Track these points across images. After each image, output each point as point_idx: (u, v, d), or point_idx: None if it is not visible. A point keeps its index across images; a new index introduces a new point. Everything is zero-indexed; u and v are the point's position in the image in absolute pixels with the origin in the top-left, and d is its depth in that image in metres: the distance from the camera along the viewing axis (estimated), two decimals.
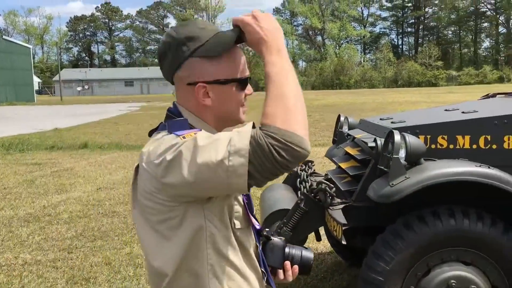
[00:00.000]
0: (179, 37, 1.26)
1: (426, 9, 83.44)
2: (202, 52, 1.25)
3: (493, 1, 78.35)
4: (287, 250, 1.39)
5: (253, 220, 1.37)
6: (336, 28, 75.46)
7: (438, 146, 3.04)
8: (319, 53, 76.04)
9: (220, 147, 1.10)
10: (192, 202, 1.19)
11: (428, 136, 3.05)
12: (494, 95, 4.48)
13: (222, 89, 1.27)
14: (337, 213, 2.99)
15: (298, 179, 3.72)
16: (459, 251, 2.72)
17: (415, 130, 3.05)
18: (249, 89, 1.34)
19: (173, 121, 1.25)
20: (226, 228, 1.25)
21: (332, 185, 3.12)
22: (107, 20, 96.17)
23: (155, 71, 78.59)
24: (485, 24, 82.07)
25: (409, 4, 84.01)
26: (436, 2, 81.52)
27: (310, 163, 4.01)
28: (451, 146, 3.02)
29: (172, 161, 1.13)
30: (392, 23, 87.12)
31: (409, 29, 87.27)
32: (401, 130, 3.01)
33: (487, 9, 79.95)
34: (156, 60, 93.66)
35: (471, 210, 2.71)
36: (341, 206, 3.07)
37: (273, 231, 1.48)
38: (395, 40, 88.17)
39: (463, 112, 3.30)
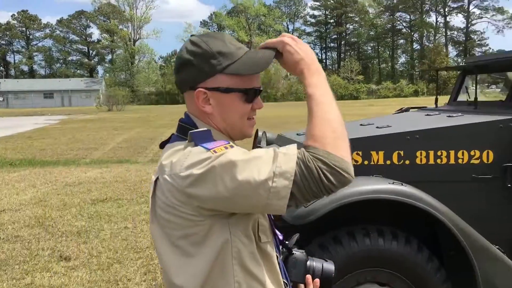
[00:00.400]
0: (211, 50, 1.22)
1: (347, 26, 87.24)
2: (234, 69, 1.22)
3: (408, 19, 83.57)
4: (308, 263, 1.37)
5: (277, 231, 1.36)
6: (262, 42, 76.49)
7: (353, 162, 2.95)
8: None
9: (263, 166, 1.09)
10: (217, 216, 1.16)
11: None
12: (407, 109, 4.56)
13: (224, 97, 1.24)
14: None
15: None
16: (375, 272, 2.63)
17: None
18: (258, 103, 1.29)
19: (197, 132, 1.20)
20: (251, 242, 1.21)
21: None
22: (24, 28, 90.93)
23: (77, 83, 75.46)
24: (401, 41, 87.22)
25: (332, 21, 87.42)
26: (357, 19, 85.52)
27: None
28: (366, 162, 2.96)
29: (204, 175, 1.10)
30: (316, 38, 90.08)
31: (332, 44, 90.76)
32: None
33: (402, 27, 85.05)
34: (78, 71, 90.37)
35: (385, 229, 2.64)
36: None
37: (293, 243, 1.41)
38: (319, 54, 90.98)
39: (377, 127, 3.27)
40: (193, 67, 1.23)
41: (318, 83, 1.21)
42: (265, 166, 1.09)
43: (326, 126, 1.15)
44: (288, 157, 1.10)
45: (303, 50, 1.24)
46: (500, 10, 76.80)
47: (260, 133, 4.20)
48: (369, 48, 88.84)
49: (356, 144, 3.00)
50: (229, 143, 1.17)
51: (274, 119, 25.50)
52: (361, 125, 3.67)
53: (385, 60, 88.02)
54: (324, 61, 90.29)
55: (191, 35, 1.30)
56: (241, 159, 1.10)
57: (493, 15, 77.87)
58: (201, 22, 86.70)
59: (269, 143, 4.02)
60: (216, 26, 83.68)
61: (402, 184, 2.62)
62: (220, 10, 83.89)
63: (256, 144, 4.20)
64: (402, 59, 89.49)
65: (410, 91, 67.47)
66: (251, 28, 78.60)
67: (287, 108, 38.83)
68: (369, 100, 57.63)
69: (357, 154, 2.97)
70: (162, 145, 1.31)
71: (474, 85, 4.22)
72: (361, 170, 2.92)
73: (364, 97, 67.18)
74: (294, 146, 1.14)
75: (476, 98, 3.68)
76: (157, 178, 1.22)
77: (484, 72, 4.34)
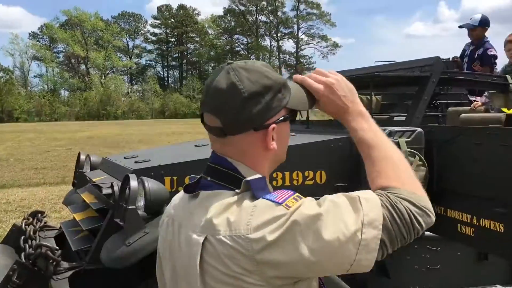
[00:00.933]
0: (279, 82, 1.08)
1: (188, 45, 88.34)
2: (293, 104, 1.11)
3: (245, 42, 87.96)
4: None
5: None
6: (101, 58, 73.10)
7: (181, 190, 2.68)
8: (84, 82, 72.37)
9: (346, 216, 0.96)
10: (286, 285, 0.98)
11: (175, 178, 2.67)
12: None
13: (283, 126, 1.11)
14: (63, 284, 2.32)
15: (23, 237, 2.89)
16: None
17: (160, 171, 2.64)
18: None
19: (254, 180, 1.02)
20: None
21: (57, 247, 2.44)
22: None
23: None
24: None
25: (173, 39, 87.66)
26: (197, 39, 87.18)
27: (39, 214, 3.22)
28: None
29: (282, 236, 0.93)
30: (158, 56, 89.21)
31: (173, 63, 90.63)
32: (144, 171, 2.56)
33: (240, 49, 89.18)
34: None
35: None
36: (70, 272, 2.42)
37: None
38: (161, 72, 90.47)
39: None
40: (260, 104, 1.04)
41: (365, 126, 1.14)
42: (349, 216, 0.96)
43: (395, 166, 1.08)
44: (372, 203, 0.98)
45: (343, 97, 1.14)
46: (324, 38, 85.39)
47: (83, 157, 3.69)
48: (210, 67, 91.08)
49: (188, 167, 2.73)
50: (295, 193, 1.02)
51: (115, 137, 24.32)
52: (196, 146, 3.42)
53: None
54: (166, 79, 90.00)
55: (229, 63, 1.11)
56: (321, 212, 0.95)
57: (318, 42, 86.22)
58: (29, 33, 79.00)
59: (93, 167, 3.53)
60: (47, 39, 77.54)
61: None
62: (52, 22, 77.91)
63: (77, 169, 3.67)
64: None
65: None
66: (87, 43, 74.56)
67: (128, 126, 37.44)
68: None
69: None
70: (189, 190, 1.10)
71: None
72: None
73: None
74: (369, 190, 1.03)
75: (308, 117, 3.71)
76: (205, 239, 0.99)
77: None
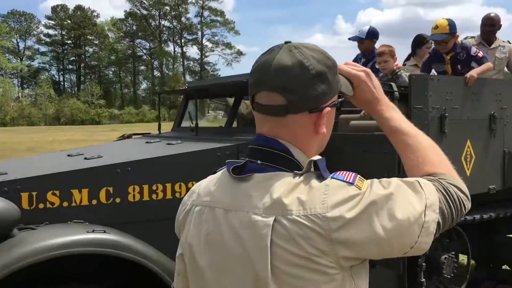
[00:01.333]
0: (336, 64, 1.09)
1: (87, 48, 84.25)
2: (344, 89, 1.13)
3: (148, 47, 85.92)
4: None
5: None
6: None
7: (48, 205, 2.34)
8: None
9: (411, 198, 0.98)
10: (346, 268, 0.97)
11: (34, 193, 2.31)
12: (130, 136, 4.15)
13: (332, 111, 1.11)
14: None
15: None
16: None
17: (15, 185, 2.28)
18: None
19: (319, 160, 1.01)
20: None
21: None
22: None
23: None
24: (142, 67, 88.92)
25: (69, 41, 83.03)
26: (96, 42, 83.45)
27: None
28: (65, 204, 2.38)
29: (360, 215, 0.94)
30: (52, 59, 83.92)
31: (70, 66, 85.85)
32: None
33: (143, 54, 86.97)
34: None
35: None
36: None
37: None
38: (56, 76, 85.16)
39: (86, 158, 2.72)
40: (324, 83, 1.04)
41: (398, 117, 1.18)
42: (413, 198, 0.98)
43: (436, 153, 1.13)
44: (429, 187, 1.01)
45: (377, 87, 1.19)
46: (229, 45, 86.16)
47: None
48: (111, 72, 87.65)
49: (52, 181, 2.40)
50: (357, 174, 1.01)
51: (0, 145, 22.26)
52: (69, 155, 3.05)
53: (127, 85, 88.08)
54: (63, 83, 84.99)
55: (286, 42, 1.07)
56: (392, 192, 0.97)
57: (223, 49, 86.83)
58: None
59: None
60: None
61: (104, 231, 2.12)
62: None
63: None
64: (144, 85, 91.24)
65: (152, 117, 69.04)
66: None
67: (17, 133, 34.62)
68: (112, 125, 56.39)
69: (54, 194, 2.36)
70: (237, 171, 1.05)
71: (200, 110, 4.07)
72: (58, 215, 2.33)
73: (106, 122, 65.57)
74: (420, 177, 1.05)
75: (197, 124, 3.50)
76: (274, 221, 0.95)
77: (205, 97, 4.27)
